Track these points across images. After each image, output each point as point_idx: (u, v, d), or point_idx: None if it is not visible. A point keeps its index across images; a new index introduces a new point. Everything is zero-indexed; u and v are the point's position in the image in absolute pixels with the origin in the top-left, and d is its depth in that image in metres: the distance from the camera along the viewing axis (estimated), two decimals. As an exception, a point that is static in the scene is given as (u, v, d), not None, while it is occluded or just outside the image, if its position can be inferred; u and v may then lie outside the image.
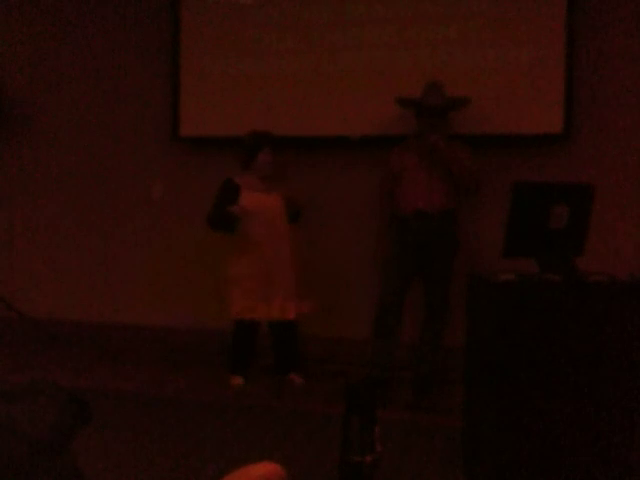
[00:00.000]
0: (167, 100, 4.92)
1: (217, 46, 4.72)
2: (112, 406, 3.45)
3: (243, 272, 3.97)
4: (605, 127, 4.22)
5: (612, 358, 2.45)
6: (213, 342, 4.58)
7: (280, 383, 4.05)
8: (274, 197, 4.00)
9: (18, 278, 5.32)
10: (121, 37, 5.09)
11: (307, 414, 3.49)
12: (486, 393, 2.60)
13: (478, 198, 4.16)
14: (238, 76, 4.69)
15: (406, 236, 3.83)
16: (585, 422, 2.44)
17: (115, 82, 5.12)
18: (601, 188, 2.99)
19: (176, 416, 3.39)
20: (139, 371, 4.32)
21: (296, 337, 4.10)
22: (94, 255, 5.20)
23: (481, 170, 3.94)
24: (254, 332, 4.04)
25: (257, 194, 3.98)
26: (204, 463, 2.74)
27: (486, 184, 4.05)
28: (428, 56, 4.31)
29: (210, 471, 2.61)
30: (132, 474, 2.62)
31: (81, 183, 5.22)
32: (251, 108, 4.62)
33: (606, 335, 2.45)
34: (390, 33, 4.39)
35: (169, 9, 4.87)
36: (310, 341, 4.34)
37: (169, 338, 4.89)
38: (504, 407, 2.48)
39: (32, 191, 5.33)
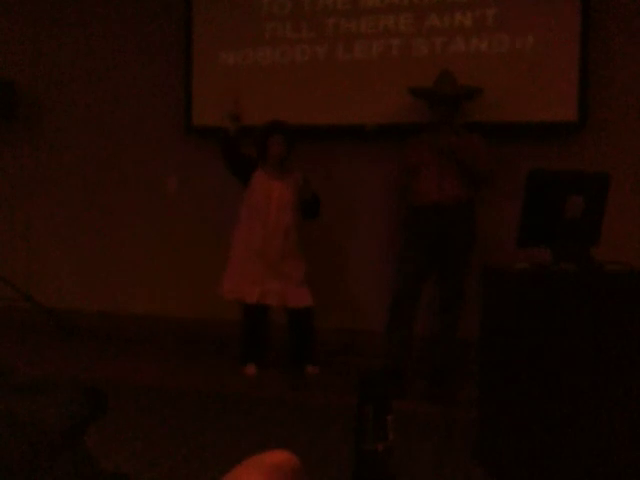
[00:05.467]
0: (178, 92, 4.92)
1: (230, 35, 4.72)
2: (125, 397, 3.47)
3: (237, 253, 4.03)
4: (620, 115, 4.18)
5: (629, 348, 2.43)
6: (227, 333, 4.60)
7: (295, 374, 4.06)
8: (283, 187, 4.00)
9: (35, 269, 5.37)
10: (131, 30, 5.10)
11: (321, 405, 3.49)
12: (500, 384, 2.59)
13: (493, 187, 4.14)
14: (251, 65, 4.69)
15: (421, 228, 3.82)
16: (601, 411, 2.42)
17: (127, 74, 5.13)
18: (616, 177, 2.97)
19: (190, 407, 3.40)
20: (152, 362, 4.34)
21: (312, 328, 4.11)
22: (109, 246, 5.24)
23: (495, 161, 3.90)
24: (262, 320, 4.07)
25: (267, 181, 4.00)
26: (217, 454, 2.75)
27: (500, 173, 4.02)
28: (443, 44, 4.29)
29: (223, 461, 2.62)
30: (145, 465, 2.63)
31: (95, 175, 5.25)
32: (264, 97, 4.61)
33: (623, 325, 2.43)
34: (405, 21, 4.37)
35: (180, 0, 4.87)
36: (325, 332, 4.34)
37: (183, 329, 4.92)
38: (518, 397, 2.47)
39: (48, 184, 5.37)
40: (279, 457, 1.10)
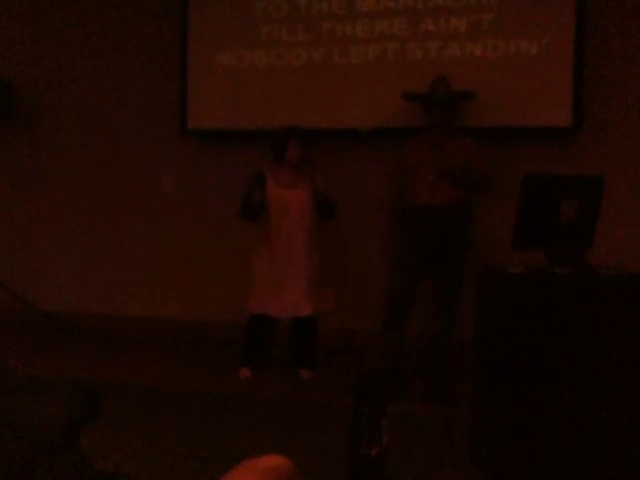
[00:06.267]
0: (175, 93, 4.94)
1: (225, 38, 4.73)
2: (124, 397, 3.49)
3: (261, 268, 4.02)
4: (614, 120, 4.20)
5: (624, 351, 2.44)
6: (226, 334, 4.62)
7: (292, 376, 4.07)
8: (300, 193, 3.98)
9: (35, 270, 5.39)
10: (128, 31, 5.12)
11: (321, 405, 3.51)
12: (495, 386, 2.61)
13: (491, 189, 4.15)
14: (246, 68, 4.70)
15: (418, 228, 3.83)
16: (595, 414, 2.44)
17: (122, 76, 5.15)
18: (615, 178, 2.98)
19: (189, 407, 3.42)
20: (152, 363, 4.36)
21: (314, 333, 4.09)
22: (109, 247, 5.25)
23: (490, 166, 3.91)
24: (268, 326, 4.05)
25: (282, 190, 3.98)
26: (217, 454, 2.77)
27: (499, 174, 4.04)
28: (438, 48, 4.32)
29: (223, 461, 2.64)
30: (145, 465, 2.65)
31: (94, 176, 5.26)
32: (259, 100, 4.63)
33: (617, 327, 2.44)
34: (400, 26, 4.39)
35: (177, 2, 4.89)
36: (325, 333, 4.35)
37: (182, 330, 4.94)
38: (513, 400, 2.49)
39: (47, 185, 5.38)
40: (273, 461, 1.12)
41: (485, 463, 2.67)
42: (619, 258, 2.93)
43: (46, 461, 0.95)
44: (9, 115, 5.25)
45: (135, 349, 4.71)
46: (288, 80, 4.61)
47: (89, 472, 1.08)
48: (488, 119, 4.22)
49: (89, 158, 5.28)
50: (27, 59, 5.36)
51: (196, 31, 4.80)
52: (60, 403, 1.03)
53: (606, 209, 2.75)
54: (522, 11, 4.18)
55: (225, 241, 4.88)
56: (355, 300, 4.66)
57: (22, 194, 5.44)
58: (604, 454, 2.43)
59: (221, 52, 4.75)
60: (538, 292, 2.45)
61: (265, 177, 4.02)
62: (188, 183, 5.04)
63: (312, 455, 2.76)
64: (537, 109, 4.16)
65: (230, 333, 4.50)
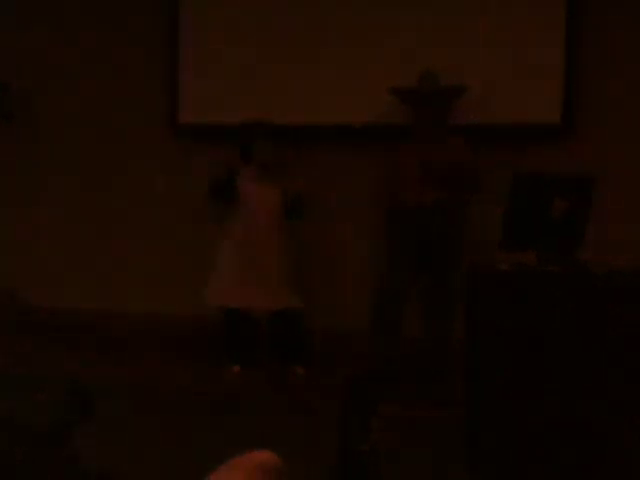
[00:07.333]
0: (166, 88, 4.92)
1: (217, 33, 4.71)
2: (120, 397, 3.46)
3: (224, 258, 4.00)
4: (606, 118, 4.20)
5: (618, 348, 2.45)
6: (214, 332, 4.60)
7: (280, 373, 4.06)
8: (270, 190, 3.97)
9: (33, 269, 5.38)
10: (120, 27, 5.10)
11: (314, 406, 3.48)
12: (486, 385, 2.61)
13: (485, 187, 4.17)
14: (238, 63, 4.66)
15: (410, 230, 3.84)
16: (586, 414, 2.45)
17: (114, 71, 5.14)
18: (602, 180, 3.00)
19: (175, 406, 3.42)
20: (138, 361, 4.34)
21: (297, 328, 4.06)
22: (96, 245, 5.23)
23: (482, 167, 3.92)
24: (245, 320, 4.03)
25: (253, 186, 3.97)
26: (202, 453, 2.76)
27: (489, 176, 4.05)
28: (429, 44, 4.30)
29: (212, 460, 2.65)
30: (139, 464, 2.63)
31: (83, 174, 5.25)
32: (252, 96, 4.59)
33: (611, 325, 2.45)
34: (393, 20, 4.37)
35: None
36: (320, 332, 4.36)
37: (169, 327, 4.89)
38: (504, 399, 2.51)
39: (43, 184, 5.36)
40: (262, 457, 1.16)
41: (478, 464, 2.68)
42: (609, 257, 2.93)
43: (43, 460, 0.97)
44: (9, 116, 5.26)
45: (133, 346, 4.68)
46: (280, 75, 4.56)
47: (84, 470, 1.11)
48: (479, 117, 4.18)
49: (87, 157, 5.26)
50: (23, 60, 5.36)
51: (187, 25, 4.76)
52: (56, 403, 1.05)
53: (600, 208, 2.78)
54: (512, 6, 4.18)
55: (216, 239, 4.85)
56: (354, 300, 4.65)
57: (18, 194, 5.43)
58: (595, 454, 2.45)
59: (212, 47, 4.70)
60: (527, 290, 2.47)
61: (239, 174, 3.98)
62: (179, 179, 5.00)
63: (304, 454, 2.76)
64: (527, 106, 4.16)
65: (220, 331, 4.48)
